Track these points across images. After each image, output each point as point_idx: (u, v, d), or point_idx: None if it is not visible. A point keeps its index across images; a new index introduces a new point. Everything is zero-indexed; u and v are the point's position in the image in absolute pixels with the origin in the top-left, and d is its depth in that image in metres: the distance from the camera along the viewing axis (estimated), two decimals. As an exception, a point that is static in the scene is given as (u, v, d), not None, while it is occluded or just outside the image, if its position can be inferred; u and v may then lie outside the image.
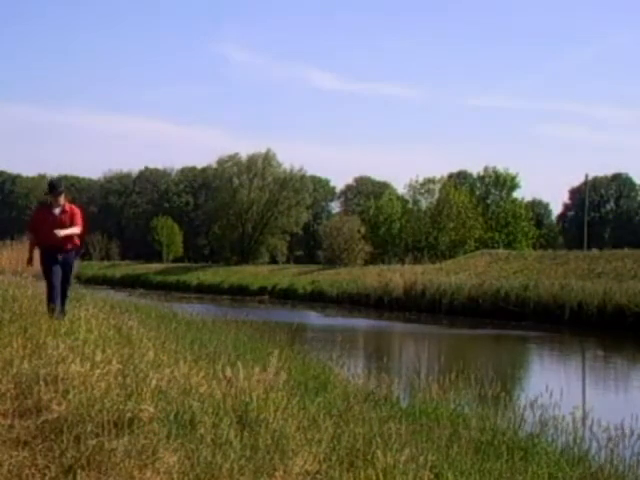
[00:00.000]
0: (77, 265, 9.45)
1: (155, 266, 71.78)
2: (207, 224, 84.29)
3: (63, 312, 10.58)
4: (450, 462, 5.75)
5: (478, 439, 7.18)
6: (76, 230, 10.95)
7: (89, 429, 4.97)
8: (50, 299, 10.78)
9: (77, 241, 11.05)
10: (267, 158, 75.95)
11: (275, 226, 77.33)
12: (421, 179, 67.56)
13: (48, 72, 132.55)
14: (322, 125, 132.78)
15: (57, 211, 10.88)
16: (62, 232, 10.74)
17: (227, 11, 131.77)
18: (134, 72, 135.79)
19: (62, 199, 10.99)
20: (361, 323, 34.87)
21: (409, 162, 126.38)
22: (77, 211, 11.05)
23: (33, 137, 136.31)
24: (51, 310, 10.43)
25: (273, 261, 77.27)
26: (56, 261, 10.79)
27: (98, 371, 6.28)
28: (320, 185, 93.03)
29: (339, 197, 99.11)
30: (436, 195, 66.82)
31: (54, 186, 11.17)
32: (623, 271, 36.32)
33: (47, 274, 10.89)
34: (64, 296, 10.96)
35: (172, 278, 63.56)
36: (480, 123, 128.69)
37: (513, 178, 70.66)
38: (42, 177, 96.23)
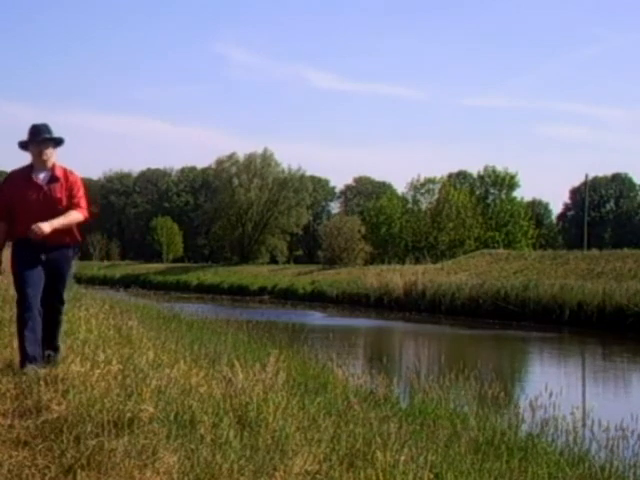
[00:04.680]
0: (75, 267, 7.07)
1: (155, 266, 71.90)
2: (207, 224, 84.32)
3: (51, 359, 6.44)
4: (450, 462, 5.75)
5: (478, 439, 7.18)
6: (77, 216, 6.56)
7: (89, 429, 4.97)
8: (22, 328, 6.40)
9: (77, 234, 6.74)
10: (265, 157, 76.00)
11: (275, 226, 77.41)
12: (422, 179, 67.86)
13: (48, 72, 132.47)
14: (322, 125, 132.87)
15: (43, 177, 6.56)
16: (47, 225, 6.31)
17: (227, 11, 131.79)
18: (134, 72, 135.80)
19: (51, 156, 6.58)
20: (361, 323, 34.86)
21: (409, 162, 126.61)
22: (76, 178, 6.68)
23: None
24: (26, 358, 6.34)
25: (273, 261, 77.27)
26: (39, 265, 6.52)
27: (98, 371, 6.28)
28: (320, 185, 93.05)
29: (339, 197, 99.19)
30: (436, 195, 66.96)
31: (38, 130, 6.57)
32: (623, 271, 36.31)
33: (21, 287, 6.51)
34: (54, 327, 6.65)
35: (172, 278, 63.61)
36: (480, 123, 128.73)
37: (512, 177, 70.75)
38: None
